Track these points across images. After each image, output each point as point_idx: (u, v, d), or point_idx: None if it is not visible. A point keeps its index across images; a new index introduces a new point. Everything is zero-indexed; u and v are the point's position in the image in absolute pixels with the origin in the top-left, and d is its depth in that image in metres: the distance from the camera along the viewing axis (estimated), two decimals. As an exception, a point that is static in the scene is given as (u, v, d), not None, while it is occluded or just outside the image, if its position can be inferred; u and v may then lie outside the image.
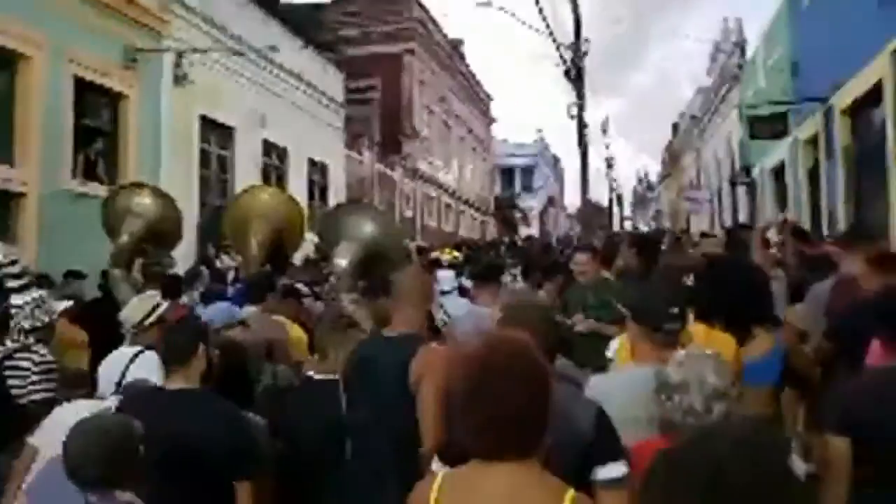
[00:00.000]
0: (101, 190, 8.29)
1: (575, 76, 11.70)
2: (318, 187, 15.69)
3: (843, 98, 8.77)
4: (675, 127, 33.07)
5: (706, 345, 2.52)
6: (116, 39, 9.31)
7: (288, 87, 14.13)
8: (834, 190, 9.09)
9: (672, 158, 34.90)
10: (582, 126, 12.00)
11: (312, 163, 15.33)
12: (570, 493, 1.54)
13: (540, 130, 49.99)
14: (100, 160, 9.24)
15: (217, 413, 2.60)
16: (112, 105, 9.52)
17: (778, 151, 12.19)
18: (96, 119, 9.22)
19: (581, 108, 11.81)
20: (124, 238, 5.42)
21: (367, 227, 4.98)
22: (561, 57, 11.58)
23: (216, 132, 11.98)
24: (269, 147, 13.48)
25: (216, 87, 11.54)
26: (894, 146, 6.91)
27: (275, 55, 13.17)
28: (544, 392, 1.56)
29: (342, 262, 4.76)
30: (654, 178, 51.41)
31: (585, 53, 11.79)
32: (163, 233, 5.69)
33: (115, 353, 3.65)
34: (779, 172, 12.69)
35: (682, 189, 29.49)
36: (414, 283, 3.04)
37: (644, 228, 37.70)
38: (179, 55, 10.55)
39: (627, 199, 54.96)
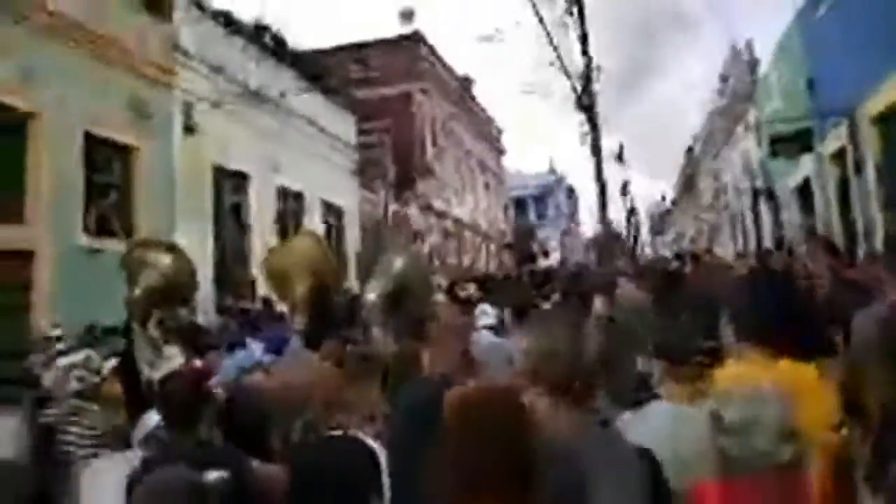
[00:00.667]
0: (114, 244, 8.16)
1: (587, 104, 11.52)
2: (334, 230, 15.56)
3: (870, 108, 8.48)
4: (690, 151, 32.84)
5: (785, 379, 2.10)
6: (124, 92, 9.28)
7: (300, 133, 14.10)
8: (867, 203, 8.75)
9: (687, 183, 34.60)
10: (598, 153, 11.77)
11: (327, 206, 15.22)
12: None
13: (551, 160, 49.95)
14: (113, 215, 9.14)
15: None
16: (123, 159, 9.45)
17: (801, 168, 11.88)
18: (107, 174, 9.14)
19: (596, 135, 11.60)
20: (137, 292, 5.25)
21: (397, 262, 4.92)
22: (573, 88, 11.42)
23: (230, 180, 11.90)
24: (283, 192, 13.39)
25: (228, 136, 11.48)
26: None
27: (285, 101, 13.17)
28: (517, 447, 1.43)
29: (372, 296, 4.70)
30: (668, 204, 51.00)
31: (596, 71, 11.61)
32: (177, 286, 5.52)
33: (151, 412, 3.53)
34: (803, 189, 12.35)
35: (700, 213, 29.14)
36: (451, 323, 2.96)
37: (666, 253, 37.17)
38: (189, 105, 10.54)
39: (644, 225, 54.48)
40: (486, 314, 5.62)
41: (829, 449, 2.06)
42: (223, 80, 11.54)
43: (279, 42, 13.79)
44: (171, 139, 10.24)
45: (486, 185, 32.48)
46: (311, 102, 14.67)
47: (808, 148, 9.47)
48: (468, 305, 6.90)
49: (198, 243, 9.60)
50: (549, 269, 15.07)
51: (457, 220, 26.23)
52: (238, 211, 12.18)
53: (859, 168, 8.91)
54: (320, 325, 4.94)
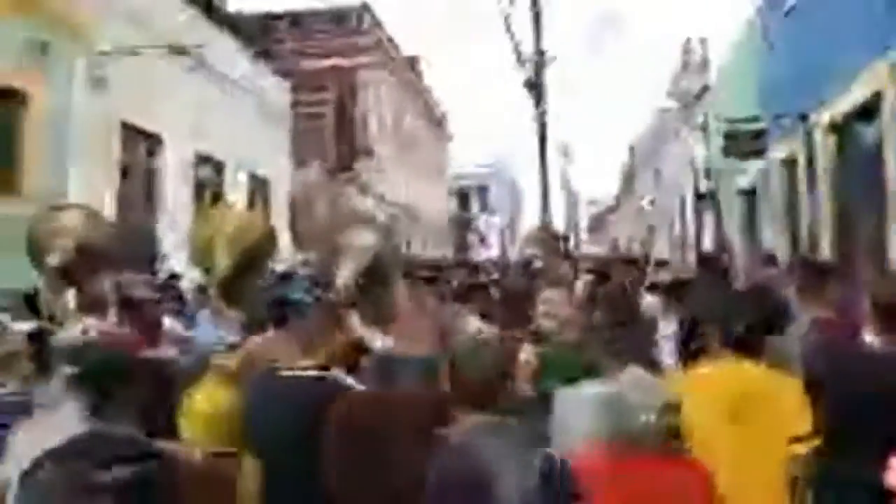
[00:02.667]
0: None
1: (536, 83, 10.88)
2: (259, 204, 14.52)
3: (826, 115, 8.12)
4: (632, 150, 32.85)
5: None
6: (19, 31, 8.11)
7: (226, 96, 13.01)
8: (816, 213, 8.41)
9: (627, 182, 34.68)
10: (543, 137, 11.17)
11: (253, 177, 14.19)
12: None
13: (496, 150, 49.63)
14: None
15: None
16: (11, 106, 8.28)
17: (747, 173, 11.58)
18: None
19: (543, 117, 10.98)
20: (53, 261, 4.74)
21: (368, 238, 4.58)
22: (519, 57, 10.74)
23: (141, 141, 10.79)
24: (203, 159, 12.31)
25: (142, 93, 10.35)
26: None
27: (212, 60, 12.08)
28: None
29: (345, 278, 4.13)
30: (611, 201, 51.39)
31: (545, 55, 10.99)
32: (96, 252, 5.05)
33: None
34: (748, 194, 12.08)
35: (639, 213, 29.13)
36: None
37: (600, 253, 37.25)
38: (97, 54, 9.40)
39: (583, 223, 54.80)
40: None
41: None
42: (142, 29, 10.41)
43: (209, -2, 12.69)
44: (71, 90, 9.09)
45: (429, 170, 31.74)
46: (240, 65, 13.60)
47: (762, 150, 9.09)
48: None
49: (96, 209, 8.53)
50: (476, 263, 14.47)
51: (395, 205, 25.43)
52: (149, 177, 11.08)
53: (811, 176, 8.56)
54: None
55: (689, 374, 2.65)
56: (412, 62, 28.56)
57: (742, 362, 2.51)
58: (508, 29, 10.84)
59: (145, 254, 10.20)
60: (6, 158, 8.16)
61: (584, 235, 53.13)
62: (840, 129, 8.01)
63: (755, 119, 9.08)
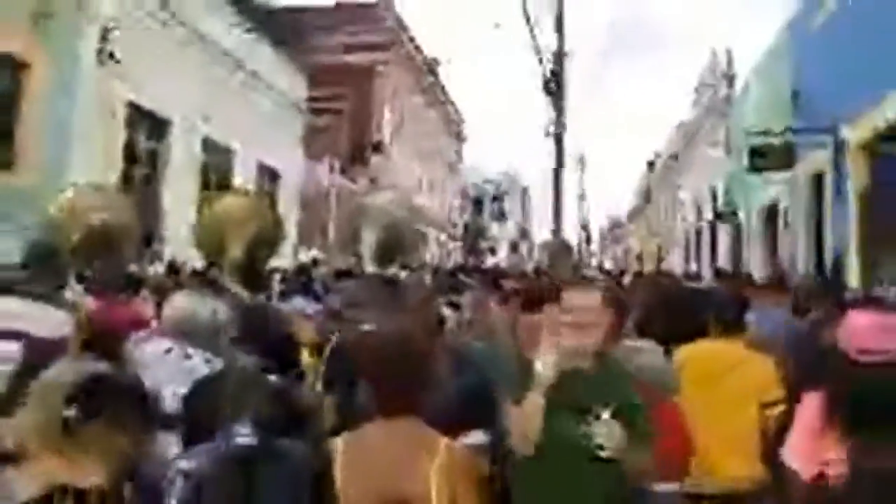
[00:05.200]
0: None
1: (555, 88, 10.53)
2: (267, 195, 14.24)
3: (859, 131, 7.70)
4: (651, 165, 32.40)
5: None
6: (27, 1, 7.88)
7: (240, 84, 12.76)
8: (844, 234, 7.99)
9: (645, 197, 34.18)
10: (560, 145, 10.81)
11: (262, 167, 13.91)
12: (444, 441, 2.02)
13: (510, 158, 49.34)
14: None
15: None
16: (13, 75, 8.04)
17: (770, 190, 11.15)
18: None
19: (560, 124, 10.62)
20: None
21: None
22: (539, 60, 10.41)
23: (147, 122, 10.53)
24: (211, 145, 12.03)
25: (152, 73, 10.09)
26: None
27: (227, 45, 11.83)
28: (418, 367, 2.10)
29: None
30: (624, 216, 50.88)
31: (565, 55, 10.64)
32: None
33: None
34: (769, 213, 11.65)
35: (655, 229, 28.66)
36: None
37: (610, 267, 36.79)
38: (107, 29, 9.15)
39: (595, 236, 54.28)
40: None
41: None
42: (157, 7, 10.17)
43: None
44: (78, 64, 8.83)
45: (443, 173, 31.42)
46: (257, 52, 13.34)
47: (789, 165, 8.68)
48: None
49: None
50: (486, 269, 14.11)
51: (407, 205, 25.09)
52: (154, 159, 10.81)
53: (839, 194, 8.15)
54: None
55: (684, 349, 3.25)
56: (431, 64, 28.27)
57: (723, 341, 3.32)
58: (531, 31, 10.51)
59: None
60: (2, 129, 7.90)
61: (595, 247, 52.64)
62: (873, 145, 7.60)
63: (779, 133, 8.67)
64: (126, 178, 9.94)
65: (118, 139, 9.77)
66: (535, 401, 2.16)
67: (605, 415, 2.16)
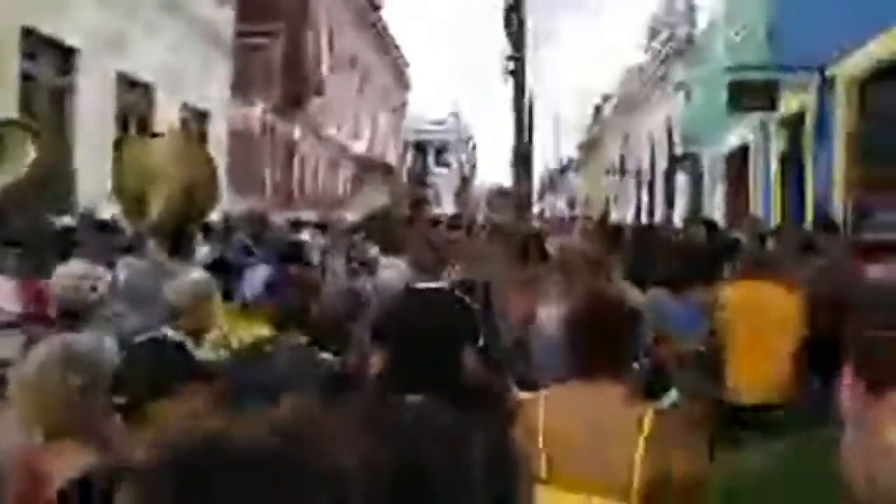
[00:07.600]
0: None
1: (515, 24, 9.59)
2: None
3: (849, 67, 7.09)
4: (598, 109, 31.86)
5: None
6: None
7: (159, 13, 11.29)
8: (825, 178, 7.44)
9: (592, 142, 33.73)
10: (519, 81, 9.92)
11: (187, 107, 12.55)
12: (651, 411, 1.95)
13: (455, 104, 48.24)
14: None
15: None
16: None
17: (735, 133, 10.59)
18: None
19: (521, 59, 9.71)
20: None
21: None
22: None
23: (49, 53, 9.12)
24: (127, 81, 10.65)
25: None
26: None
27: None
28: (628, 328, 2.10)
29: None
30: (565, 162, 50.61)
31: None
32: None
33: None
34: (734, 157, 11.12)
35: (603, 174, 28.25)
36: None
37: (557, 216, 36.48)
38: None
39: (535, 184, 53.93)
40: None
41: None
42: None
43: None
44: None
45: (385, 118, 30.12)
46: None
47: (772, 104, 8.04)
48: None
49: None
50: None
51: (348, 151, 23.91)
52: (60, 98, 9.43)
53: (822, 136, 7.57)
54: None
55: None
56: (374, 2, 26.68)
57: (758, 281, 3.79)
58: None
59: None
60: None
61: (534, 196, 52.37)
62: (863, 84, 7.01)
63: (765, 68, 8.00)
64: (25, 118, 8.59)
65: (12, 73, 8.38)
66: None
67: None
